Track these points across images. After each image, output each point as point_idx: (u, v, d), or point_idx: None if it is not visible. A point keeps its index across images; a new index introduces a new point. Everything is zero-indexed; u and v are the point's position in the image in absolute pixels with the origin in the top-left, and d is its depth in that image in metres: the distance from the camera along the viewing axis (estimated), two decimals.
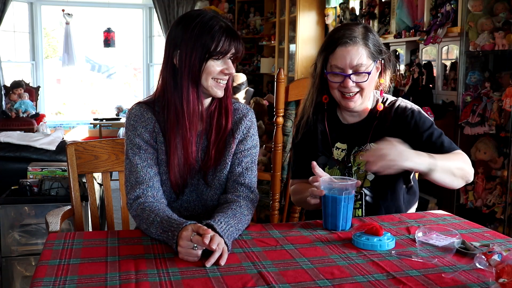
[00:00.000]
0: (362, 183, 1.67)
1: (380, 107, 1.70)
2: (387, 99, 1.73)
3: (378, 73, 1.67)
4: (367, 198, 1.68)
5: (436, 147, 1.58)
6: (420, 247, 1.31)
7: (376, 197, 1.68)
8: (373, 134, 1.68)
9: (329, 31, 5.91)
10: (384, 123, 1.68)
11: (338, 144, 1.72)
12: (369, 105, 1.72)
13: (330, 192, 1.43)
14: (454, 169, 1.51)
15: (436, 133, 1.62)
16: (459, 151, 1.59)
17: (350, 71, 1.59)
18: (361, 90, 1.62)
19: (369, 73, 1.60)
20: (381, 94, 1.73)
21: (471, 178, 1.57)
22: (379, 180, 1.66)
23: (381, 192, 1.68)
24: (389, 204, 1.69)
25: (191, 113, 1.46)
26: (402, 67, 4.32)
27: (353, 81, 1.60)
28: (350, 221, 1.46)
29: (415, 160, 1.43)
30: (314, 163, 1.50)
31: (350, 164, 1.69)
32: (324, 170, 1.71)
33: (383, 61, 1.66)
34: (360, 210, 1.68)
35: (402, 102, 1.71)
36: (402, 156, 1.40)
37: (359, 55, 1.58)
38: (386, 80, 1.71)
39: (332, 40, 1.62)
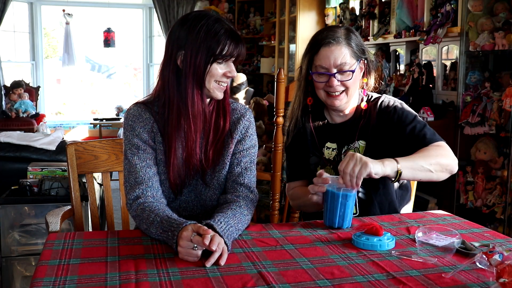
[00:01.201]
0: None
1: (364, 105, 1.72)
2: (371, 96, 1.76)
3: (362, 72, 1.71)
4: (360, 194, 1.70)
5: (418, 140, 1.61)
6: (420, 247, 1.31)
7: (368, 193, 1.70)
8: (360, 132, 1.70)
9: None
10: (370, 121, 1.70)
11: (328, 144, 1.75)
12: (355, 104, 1.75)
13: (329, 187, 1.44)
14: (427, 165, 1.52)
15: (418, 126, 1.64)
16: (440, 143, 1.60)
17: (334, 70, 1.62)
18: (346, 89, 1.65)
19: (353, 71, 1.63)
20: (364, 92, 1.75)
21: (454, 169, 1.58)
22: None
23: (373, 188, 1.70)
24: (381, 199, 1.71)
25: (196, 114, 1.46)
26: (402, 67, 4.32)
27: (338, 80, 1.63)
28: (348, 220, 1.46)
29: (381, 164, 1.45)
30: (322, 171, 1.50)
31: None
32: (316, 170, 1.72)
33: (366, 60, 1.70)
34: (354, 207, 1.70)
35: (386, 98, 1.74)
36: (368, 160, 1.43)
37: (342, 54, 1.62)
38: (371, 79, 1.75)
39: (316, 42, 1.65)
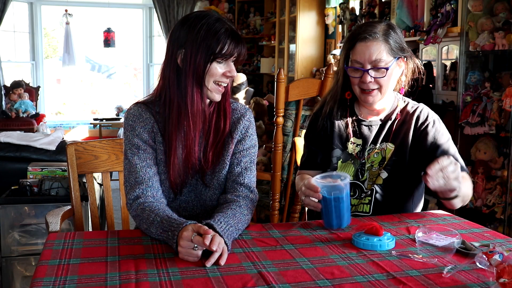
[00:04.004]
0: (374, 180, 1.69)
1: (404, 109, 1.71)
2: (408, 102, 1.74)
3: (400, 70, 1.67)
4: (377, 195, 1.68)
5: None
6: (420, 247, 1.31)
7: (386, 196, 1.69)
8: (391, 134, 1.69)
9: (329, 31, 5.94)
10: (404, 126, 1.69)
11: (353, 139, 1.73)
12: (388, 103, 1.72)
13: (321, 193, 1.44)
14: (465, 197, 1.51)
15: (452, 149, 1.64)
16: (468, 176, 1.59)
17: (368, 66, 1.60)
18: (380, 87, 1.63)
19: (387, 69, 1.61)
20: (401, 91, 1.73)
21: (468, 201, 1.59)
22: (392, 180, 1.67)
23: (391, 192, 1.68)
24: (397, 204, 1.70)
25: (195, 113, 1.46)
26: None
27: (371, 76, 1.61)
28: (346, 220, 1.45)
29: (458, 183, 1.38)
30: (310, 180, 1.47)
31: (364, 161, 1.70)
32: (337, 164, 1.72)
33: (405, 59, 1.67)
34: (368, 206, 1.69)
35: (425, 108, 1.72)
36: (454, 174, 1.35)
37: (378, 50, 1.59)
38: (408, 78, 1.71)
39: (353, 36, 1.64)
